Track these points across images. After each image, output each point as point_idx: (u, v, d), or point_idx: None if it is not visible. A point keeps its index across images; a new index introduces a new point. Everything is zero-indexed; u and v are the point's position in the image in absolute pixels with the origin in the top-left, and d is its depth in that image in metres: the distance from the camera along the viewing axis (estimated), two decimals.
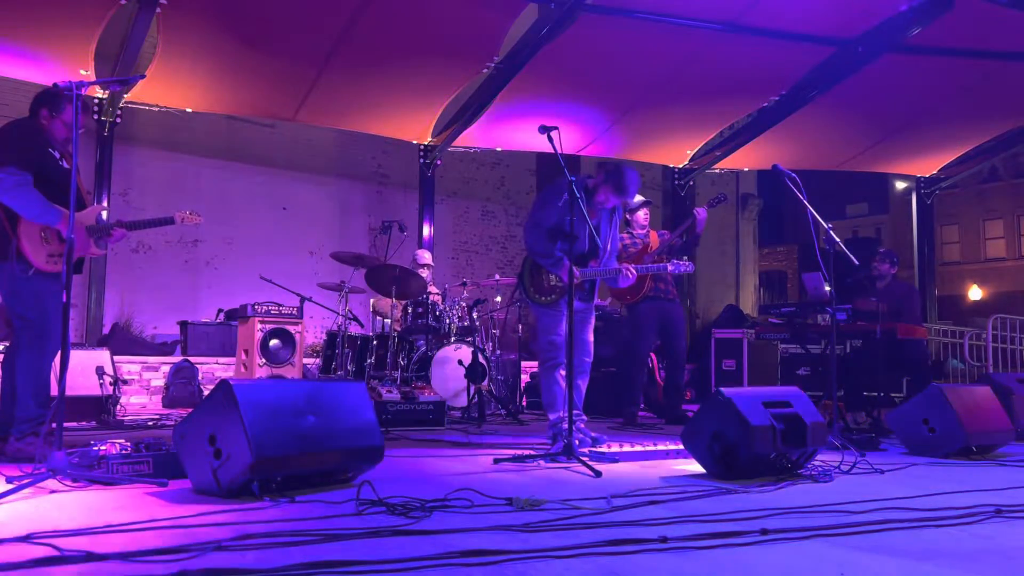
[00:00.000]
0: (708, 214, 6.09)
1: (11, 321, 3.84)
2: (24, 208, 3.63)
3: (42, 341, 3.71)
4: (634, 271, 4.46)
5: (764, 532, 2.28)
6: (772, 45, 8.34)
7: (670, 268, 4.60)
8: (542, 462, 3.79)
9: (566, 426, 4.10)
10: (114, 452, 3.15)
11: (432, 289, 7.43)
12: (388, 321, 7.33)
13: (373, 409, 3.24)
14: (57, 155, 3.83)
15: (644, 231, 6.37)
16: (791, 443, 3.45)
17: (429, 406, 5.80)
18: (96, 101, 8.11)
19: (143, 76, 7.20)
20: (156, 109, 8.63)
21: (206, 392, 6.11)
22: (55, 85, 3.49)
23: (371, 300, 7.80)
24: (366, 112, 9.22)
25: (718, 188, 14.89)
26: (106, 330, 8.64)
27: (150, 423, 5.90)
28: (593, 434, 4.48)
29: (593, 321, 4.73)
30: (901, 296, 6.53)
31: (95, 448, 3.20)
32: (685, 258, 6.29)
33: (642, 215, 6.37)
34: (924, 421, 4.43)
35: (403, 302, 7.11)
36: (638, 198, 6.34)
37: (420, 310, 7.07)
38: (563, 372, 4.42)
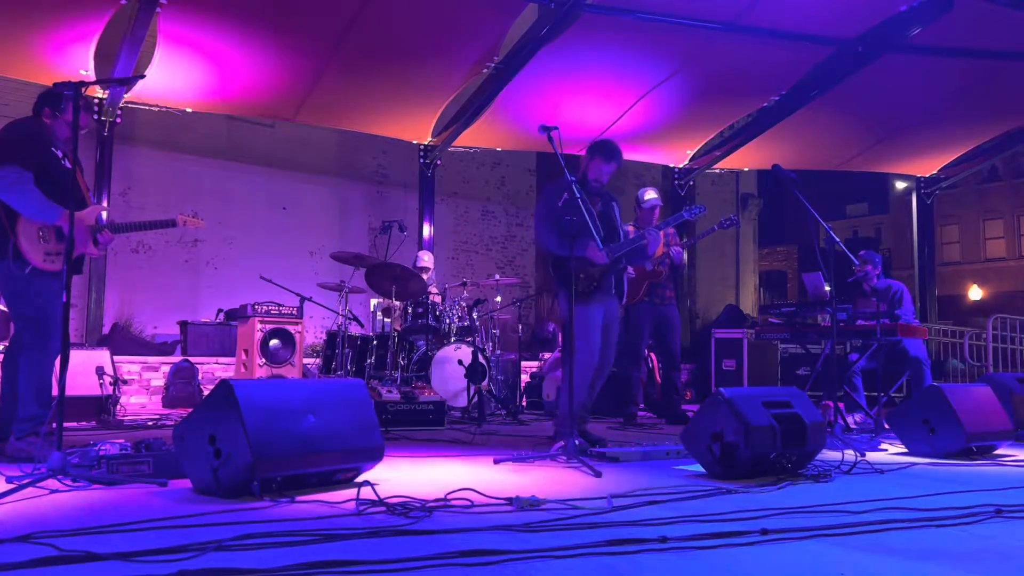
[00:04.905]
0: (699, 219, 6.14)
1: (12, 321, 3.84)
2: (23, 206, 3.64)
3: (44, 340, 3.71)
4: (660, 234, 4.57)
5: (764, 532, 2.28)
6: (772, 45, 8.34)
7: (685, 215, 4.82)
8: (542, 462, 3.79)
9: (580, 426, 4.14)
10: (114, 452, 3.16)
11: (432, 289, 7.42)
12: (389, 321, 7.33)
13: (373, 409, 3.24)
14: (60, 154, 3.84)
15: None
16: (791, 443, 3.45)
17: (429, 406, 5.80)
18: (96, 101, 8.11)
19: (143, 76, 7.19)
20: (156, 109, 8.63)
21: (206, 392, 6.13)
22: (55, 85, 3.50)
23: (372, 301, 7.79)
24: (366, 112, 9.22)
25: (718, 188, 14.91)
26: (106, 330, 8.64)
27: (150, 423, 5.90)
28: (595, 436, 4.48)
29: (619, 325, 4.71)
30: (894, 295, 6.53)
31: (95, 448, 3.21)
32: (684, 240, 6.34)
33: (654, 213, 6.40)
34: (924, 421, 4.43)
35: (403, 302, 7.11)
36: (651, 195, 6.37)
37: (420, 310, 7.07)
38: (590, 373, 4.43)
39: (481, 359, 6.64)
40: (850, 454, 3.96)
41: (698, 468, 3.60)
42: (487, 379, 6.83)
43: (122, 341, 8.37)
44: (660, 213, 6.46)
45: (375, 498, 2.64)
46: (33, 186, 3.65)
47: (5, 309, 3.86)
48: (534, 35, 8.06)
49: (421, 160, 10.09)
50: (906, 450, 4.56)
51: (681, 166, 11.07)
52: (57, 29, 7.06)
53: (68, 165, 3.81)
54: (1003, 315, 10.57)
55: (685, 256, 6.45)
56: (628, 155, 10.93)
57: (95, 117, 8.08)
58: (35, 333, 3.72)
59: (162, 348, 8.70)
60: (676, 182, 11.12)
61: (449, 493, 2.75)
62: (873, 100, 9.31)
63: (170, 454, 3.12)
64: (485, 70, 8.57)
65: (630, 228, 6.31)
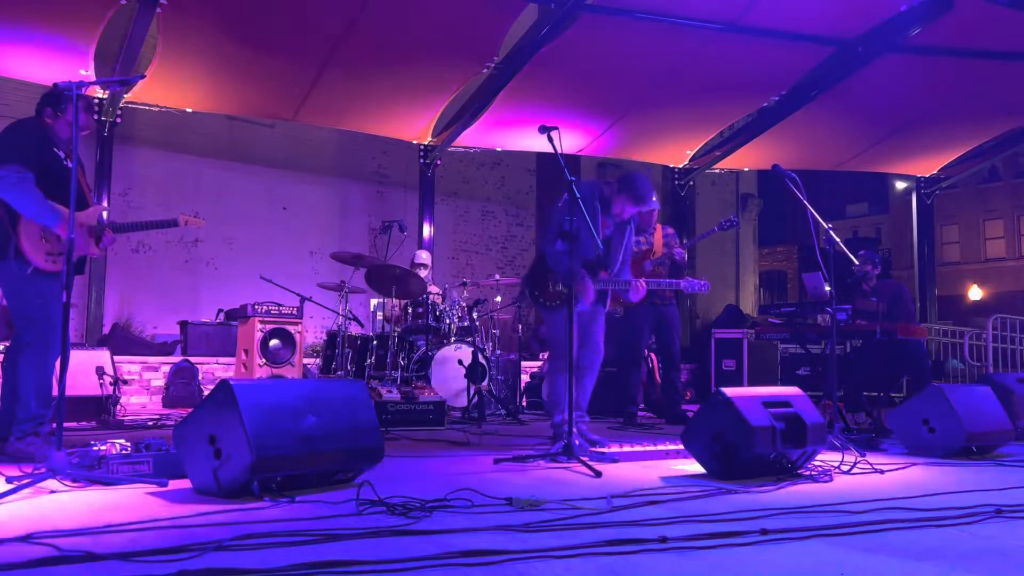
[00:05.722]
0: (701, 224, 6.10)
1: (13, 321, 3.84)
2: (24, 207, 3.64)
3: (45, 341, 3.71)
4: (644, 285, 4.47)
5: (764, 532, 2.28)
6: (772, 45, 8.34)
7: (683, 286, 4.68)
8: (542, 462, 3.79)
9: (566, 428, 4.12)
10: (114, 452, 3.16)
11: (432, 289, 7.42)
12: (389, 324, 7.33)
13: (373, 409, 3.24)
14: (62, 155, 3.84)
15: (650, 231, 6.39)
16: (791, 443, 3.45)
17: (429, 406, 5.80)
18: (96, 101, 8.11)
19: (143, 76, 7.19)
20: (156, 109, 8.63)
21: (206, 392, 6.12)
22: (55, 85, 3.50)
23: (372, 301, 7.80)
24: (366, 112, 9.23)
25: (718, 188, 14.90)
26: (106, 330, 8.64)
27: (150, 423, 5.90)
28: (593, 436, 4.47)
29: (603, 320, 4.70)
30: (892, 295, 6.54)
31: (95, 448, 3.21)
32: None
33: (652, 216, 6.38)
34: (924, 421, 4.43)
35: (403, 302, 7.11)
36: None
37: (420, 310, 7.07)
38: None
39: (481, 359, 6.64)
40: (850, 454, 3.96)
41: (698, 468, 3.60)
42: (487, 379, 6.83)
43: (122, 341, 8.36)
44: (658, 215, 6.46)
45: (375, 498, 2.64)
46: (34, 187, 3.65)
47: (5, 304, 3.86)
48: (534, 35, 8.06)
49: (421, 160, 10.09)
50: (906, 450, 4.56)
51: (681, 166, 11.07)
52: (57, 29, 7.06)
53: (70, 165, 3.81)
54: (1003, 315, 10.56)
55: (684, 257, 6.45)
56: (628, 155, 11.00)
57: (95, 117, 8.08)
58: (36, 333, 3.72)
59: (162, 348, 8.70)
60: (676, 182, 11.12)
61: (449, 493, 2.75)
62: (873, 100, 9.31)
63: (170, 454, 3.12)
64: (485, 70, 8.57)
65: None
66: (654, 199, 6.35)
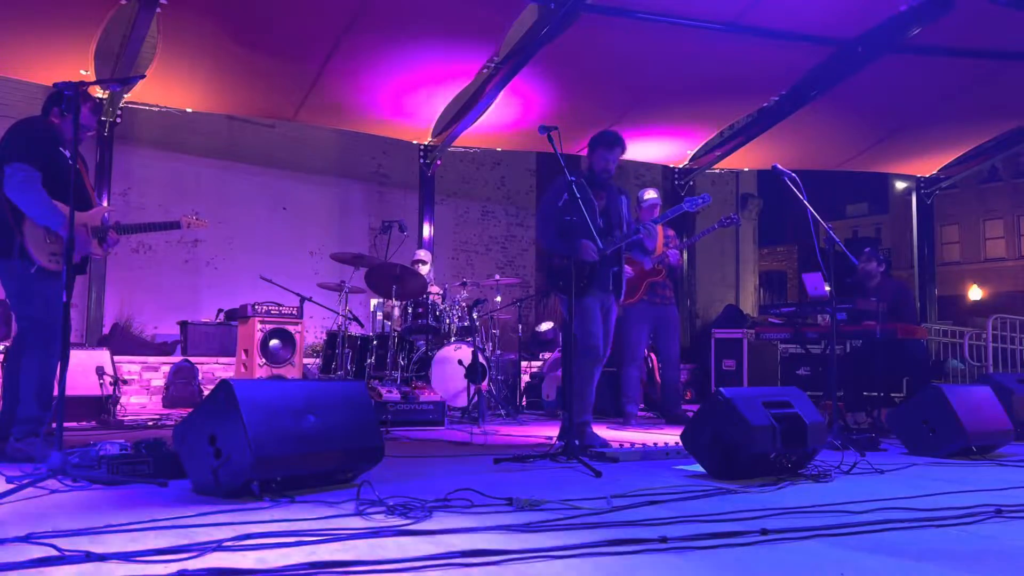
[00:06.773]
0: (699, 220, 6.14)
1: (16, 320, 3.84)
2: (29, 206, 3.64)
3: (48, 342, 3.71)
4: (655, 227, 4.56)
5: (764, 532, 2.28)
6: (772, 45, 8.34)
7: (686, 206, 4.76)
8: (542, 462, 3.79)
9: (589, 429, 4.17)
10: (114, 452, 3.16)
11: (432, 289, 7.42)
12: (389, 322, 7.33)
13: (373, 409, 3.24)
14: (68, 154, 3.83)
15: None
16: (791, 443, 3.45)
17: (429, 406, 5.80)
18: (98, 101, 8.12)
19: (143, 76, 7.19)
20: (156, 109, 8.63)
21: (206, 392, 6.13)
22: (56, 85, 3.50)
23: (372, 301, 7.80)
24: (366, 112, 9.22)
25: (718, 188, 14.90)
26: (106, 330, 8.64)
27: (150, 423, 5.90)
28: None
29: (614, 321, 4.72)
30: (895, 294, 6.53)
31: (95, 448, 3.21)
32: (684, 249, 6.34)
33: (653, 213, 6.39)
34: (924, 421, 4.43)
35: (403, 302, 7.11)
36: (651, 195, 6.37)
37: (420, 310, 7.07)
38: (595, 365, 4.46)
39: (481, 359, 6.64)
40: (850, 454, 3.96)
41: (698, 468, 3.60)
42: (487, 379, 6.83)
43: (122, 341, 8.36)
44: (660, 212, 6.46)
45: (375, 498, 2.64)
46: (40, 187, 3.65)
47: (5, 300, 3.86)
48: (534, 35, 8.06)
49: (421, 160, 10.09)
50: (906, 450, 4.56)
51: (681, 166, 11.07)
52: (57, 29, 7.06)
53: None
54: (1003, 315, 10.55)
55: (685, 257, 6.48)
56: (628, 155, 10.91)
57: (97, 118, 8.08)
58: (39, 335, 3.72)
59: (162, 348, 8.70)
60: (676, 182, 11.12)
61: (449, 493, 2.75)
62: (873, 100, 9.31)
63: (170, 454, 3.12)
64: (485, 70, 8.57)
65: None
66: (652, 194, 6.41)
